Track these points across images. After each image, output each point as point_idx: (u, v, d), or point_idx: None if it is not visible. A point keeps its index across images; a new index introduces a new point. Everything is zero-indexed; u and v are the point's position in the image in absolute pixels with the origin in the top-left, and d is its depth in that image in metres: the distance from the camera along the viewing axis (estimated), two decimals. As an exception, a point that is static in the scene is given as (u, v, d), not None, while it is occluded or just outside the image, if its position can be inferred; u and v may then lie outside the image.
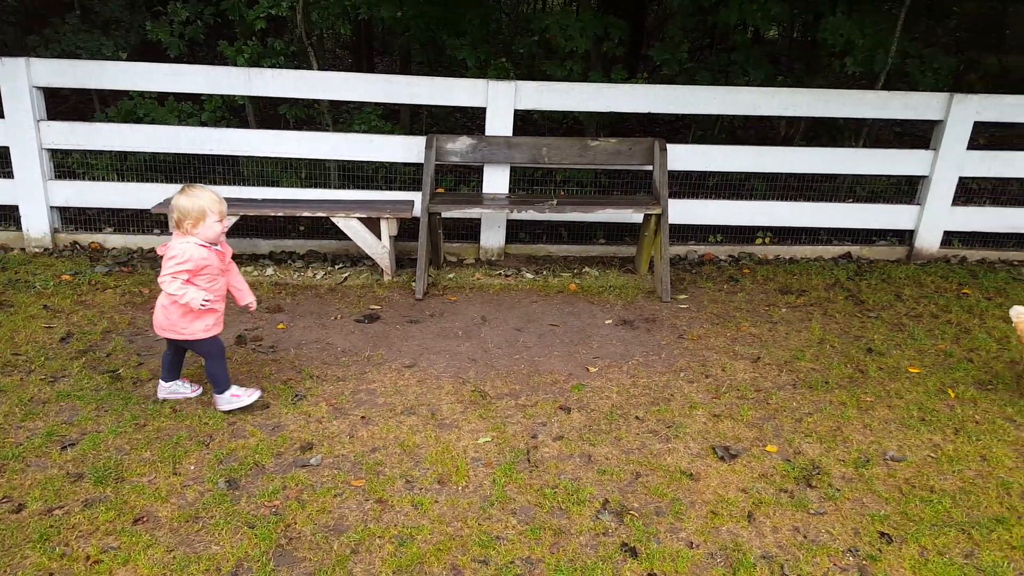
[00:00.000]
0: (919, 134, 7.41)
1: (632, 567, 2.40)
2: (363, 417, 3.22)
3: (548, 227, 5.88)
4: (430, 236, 4.60)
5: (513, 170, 5.09)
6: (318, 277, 4.84)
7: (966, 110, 5.13)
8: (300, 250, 5.28)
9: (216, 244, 3.03)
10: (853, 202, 5.70)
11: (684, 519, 2.65)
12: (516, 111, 4.93)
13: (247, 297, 3.28)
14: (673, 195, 5.54)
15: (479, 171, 5.12)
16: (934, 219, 5.44)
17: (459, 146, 4.83)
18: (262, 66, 5.23)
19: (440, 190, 5.13)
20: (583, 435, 3.14)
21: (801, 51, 6.98)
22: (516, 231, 5.56)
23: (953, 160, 5.24)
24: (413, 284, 4.67)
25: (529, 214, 5.02)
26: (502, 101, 4.85)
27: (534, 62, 6.30)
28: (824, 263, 5.47)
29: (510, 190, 5.11)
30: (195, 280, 2.97)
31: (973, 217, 5.51)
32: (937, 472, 2.97)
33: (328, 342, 3.93)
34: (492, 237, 5.21)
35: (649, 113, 5.36)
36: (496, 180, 5.03)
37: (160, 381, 3.26)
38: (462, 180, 6.08)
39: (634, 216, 4.99)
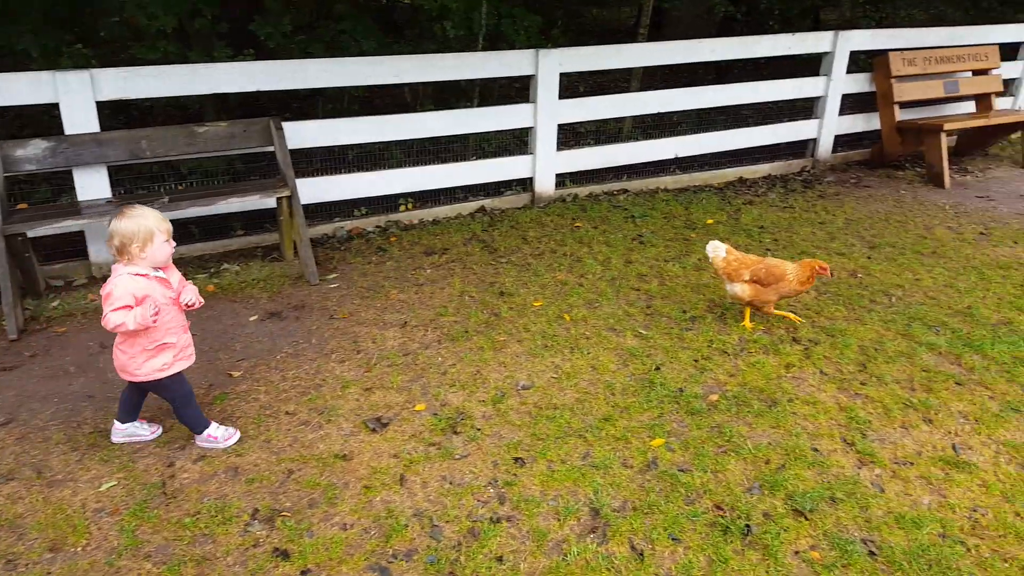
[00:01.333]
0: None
1: (285, 570, 2.33)
2: (-58, 501, 2.63)
3: (177, 227, 5.35)
4: (14, 263, 3.89)
5: (128, 168, 4.49)
6: None
7: (551, 63, 5.75)
8: None
9: (162, 269, 2.74)
10: (478, 159, 6.12)
11: (338, 503, 2.64)
12: (101, 102, 4.34)
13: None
14: (313, 172, 5.42)
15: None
16: (545, 164, 6.08)
17: (33, 151, 4.12)
18: None
19: (23, 206, 4.34)
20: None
21: (409, 16, 7.24)
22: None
23: (549, 109, 5.88)
24: (3, 324, 3.93)
25: (144, 218, 4.49)
26: (78, 94, 4.23)
27: (125, 46, 5.60)
28: (463, 219, 5.81)
29: (114, 192, 4.53)
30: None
31: (576, 158, 6.27)
32: (559, 390, 3.36)
33: None
34: (104, 250, 4.59)
35: (286, 89, 5.10)
36: (92, 184, 4.41)
37: (115, 423, 2.94)
38: (63, 189, 5.24)
39: (264, 202, 4.76)
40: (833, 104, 6.77)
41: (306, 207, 5.32)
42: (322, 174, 5.32)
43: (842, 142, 7.26)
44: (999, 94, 7.15)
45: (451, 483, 2.75)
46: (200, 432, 2.93)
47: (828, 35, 6.64)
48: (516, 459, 2.87)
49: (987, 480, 2.68)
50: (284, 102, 8.43)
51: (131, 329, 2.61)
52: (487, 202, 6.07)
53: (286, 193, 4.49)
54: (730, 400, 3.21)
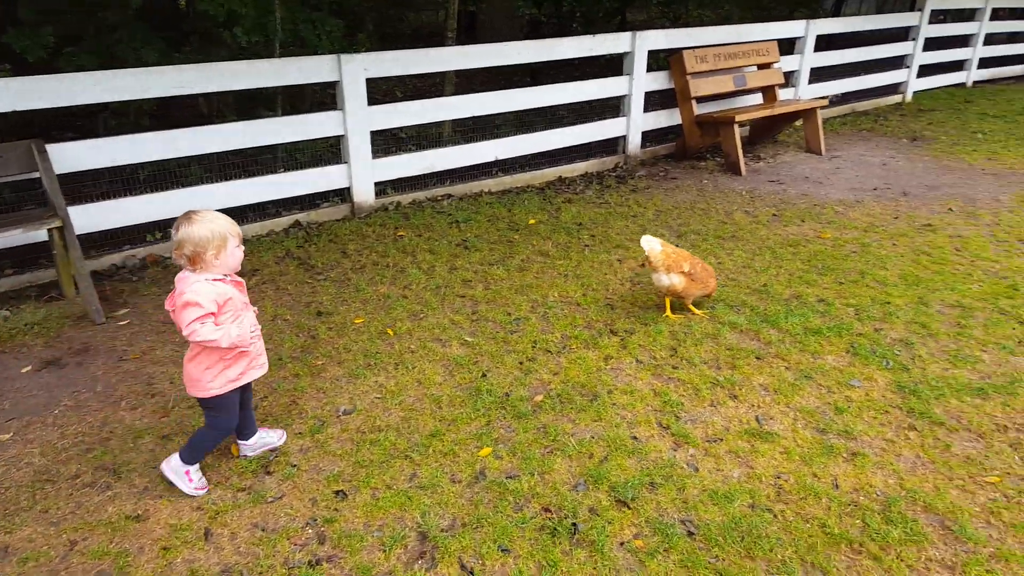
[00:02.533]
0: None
1: (61, 664, 2.00)
2: None
3: (-70, 271, 4.60)
4: None
5: None
6: None
7: (355, 68, 5.55)
8: None
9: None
10: (288, 171, 5.80)
11: (132, 571, 2.32)
12: None
13: None
14: (99, 196, 4.85)
15: None
16: (361, 173, 5.87)
17: None
18: None
19: None
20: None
21: (195, 25, 6.73)
22: None
23: (360, 116, 5.68)
24: None
25: None
26: None
27: None
28: (276, 236, 5.48)
29: None
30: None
31: (395, 165, 6.11)
32: (383, 410, 3.20)
33: None
34: None
35: (50, 108, 4.49)
36: None
37: (238, 442, 2.87)
38: None
39: (28, 235, 4.18)
40: (637, 102, 7.11)
41: (91, 236, 4.77)
42: (110, 197, 4.78)
43: (650, 138, 7.65)
44: (782, 86, 7.85)
45: (264, 530, 2.51)
46: (189, 463, 2.68)
47: (627, 36, 6.96)
48: (337, 492, 2.68)
49: (788, 447, 2.85)
50: (66, 121, 7.58)
51: (223, 347, 2.50)
52: (303, 216, 5.76)
53: (57, 224, 3.97)
54: (554, 399, 3.21)
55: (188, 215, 2.46)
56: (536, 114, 7.41)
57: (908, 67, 10.33)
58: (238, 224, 2.56)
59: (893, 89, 10.45)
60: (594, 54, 6.85)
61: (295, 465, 2.86)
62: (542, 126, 7.20)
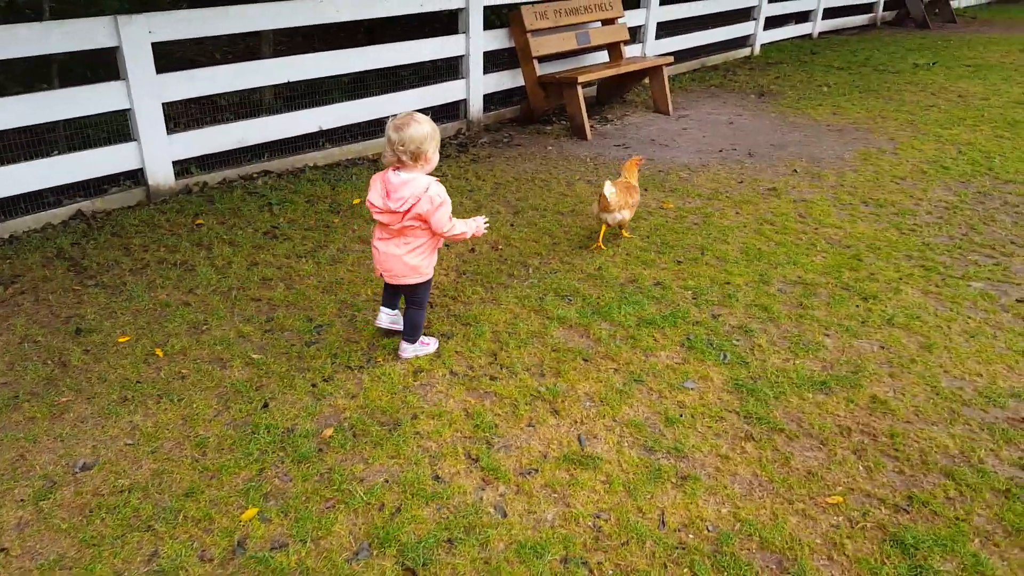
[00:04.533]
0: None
1: None
2: None
3: None
4: None
5: None
6: None
7: (138, 32, 4.67)
8: None
9: None
10: (60, 154, 4.85)
11: None
12: None
13: None
14: None
15: None
16: (155, 151, 5.01)
17: None
18: None
19: None
20: None
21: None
22: None
23: (147, 86, 4.81)
24: None
25: None
26: None
27: None
28: (51, 231, 4.57)
29: None
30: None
31: (197, 141, 5.27)
32: (132, 462, 2.57)
33: None
34: None
35: None
36: None
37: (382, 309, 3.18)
38: None
39: None
40: (476, 62, 6.55)
41: None
42: None
43: (496, 100, 7.14)
44: (627, 42, 7.52)
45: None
46: (415, 341, 3.09)
47: (460, -11, 6.35)
48: (37, 593, 2.06)
49: (611, 474, 2.48)
50: None
51: (467, 237, 2.98)
52: (87, 204, 4.86)
53: None
54: (346, 432, 2.69)
55: (399, 119, 2.75)
56: (377, 77, 6.71)
57: (755, 19, 10.32)
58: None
59: (742, 42, 10.43)
60: (425, 10, 6.20)
61: (4, 549, 2.20)
62: (378, 90, 6.50)
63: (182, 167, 5.32)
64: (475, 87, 6.63)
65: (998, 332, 3.36)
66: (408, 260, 2.90)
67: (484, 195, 5.16)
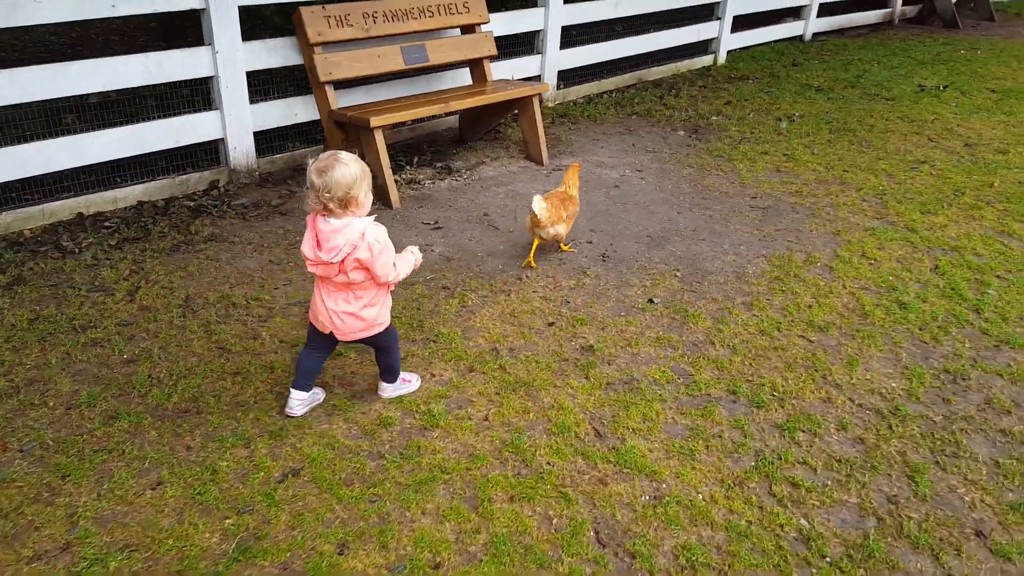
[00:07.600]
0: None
1: None
2: None
3: None
4: None
5: None
6: None
7: None
8: None
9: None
10: None
11: None
12: None
13: None
14: None
15: None
16: None
17: None
18: None
19: None
20: None
21: None
22: None
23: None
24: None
25: None
26: None
27: None
28: None
29: None
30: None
31: None
32: None
33: None
34: None
35: None
36: None
37: (294, 393, 2.65)
38: None
39: None
40: (236, 86, 4.48)
41: None
42: None
43: (280, 136, 5.00)
44: (494, 58, 5.39)
45: None
46: (395, 380, 2.78)
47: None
48: None
49: None
50: None
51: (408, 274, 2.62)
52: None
53: None
54: None
55: (323, 160, 2.37)
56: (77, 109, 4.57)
57: (720, 18, 8.03)
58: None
59: (701, 48, 8.17)
60: (141, 12, 4.16)
61: None
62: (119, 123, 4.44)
63: None
64: (236, 122, 4.57)
65: None
66: (364, 315, 2.55)
67: (149, 321, 3.13)
